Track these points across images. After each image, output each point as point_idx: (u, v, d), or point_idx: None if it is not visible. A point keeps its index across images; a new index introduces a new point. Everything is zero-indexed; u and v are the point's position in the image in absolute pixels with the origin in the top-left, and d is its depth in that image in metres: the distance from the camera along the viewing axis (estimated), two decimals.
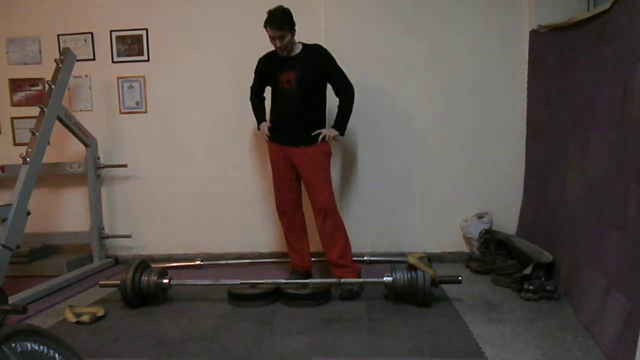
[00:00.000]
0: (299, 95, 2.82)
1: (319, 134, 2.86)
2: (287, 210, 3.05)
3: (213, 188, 3.77)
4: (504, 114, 3.52)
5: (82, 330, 2.44)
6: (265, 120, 3.07)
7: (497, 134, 3.53)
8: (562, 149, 2.95)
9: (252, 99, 3.14)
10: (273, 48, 2.94)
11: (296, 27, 2.81)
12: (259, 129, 3.10)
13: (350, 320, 2.45)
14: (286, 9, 2.77)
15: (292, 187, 3.01)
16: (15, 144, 3.87)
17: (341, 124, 2.91)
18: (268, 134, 2.99)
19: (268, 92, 3.07)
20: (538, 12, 3.33)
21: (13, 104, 3.89)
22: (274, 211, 3.17)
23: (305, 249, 3.13)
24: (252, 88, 3.13)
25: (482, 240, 3.37)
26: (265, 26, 2.74)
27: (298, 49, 2.87)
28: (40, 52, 3.83)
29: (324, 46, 3.01)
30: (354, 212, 3.61)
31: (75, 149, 3.80)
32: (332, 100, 3.00)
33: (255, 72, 3.04)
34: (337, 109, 2.94)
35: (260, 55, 3.03)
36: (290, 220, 3.07)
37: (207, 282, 2.94)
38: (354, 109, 2.95)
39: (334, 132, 2.89)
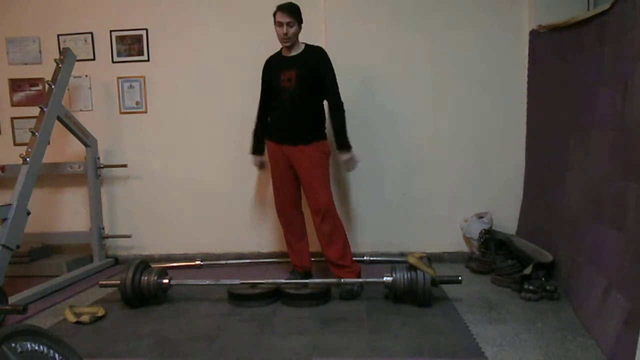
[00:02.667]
0: (299, 93, 2.82)
1: (350, 166, 2.90)
2: (287, 210, 3.05)
3: (213, 188, 3.77)
4: (504, 113, 3.52)
5: (82, 330, 2.44)
6: (261, 153, 3.09)
7: (497, 134, 3.53)
8: (562, 149, 2.95)
9: (257, 119, 3.07)
10: (274, 50, 2.94)
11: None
12: (252, 154, 3.12)
13: (350, 320, 2.45)
14: (296, 4, 2.81)
15: (291, 187, 3.00)
16: (15, 144, 3.87)
17: (344, 141, 2.86)
18: (258, 167, 3.11)
19: None
20: (538, 12, 3.33)
21: (13, 104, 3.89)
22: (274, 211, 3.17)
23: (304, 249, 3.12)
24: (259, 105, 3.06)
25: (482, 240, 3.36)
26: (275, 13, 2.78)
27: (300, 48, 2.87)
28: (40, 52, 3.83)
29: (324, 47, 3.01)
30: (353, 212, 3.61)
31: (75, 149, 3.80)
32: None
33: (262, 76, 3.00)
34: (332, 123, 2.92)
35: (260, 55, 3.02)
36: (289, 220, 3.07)
37: (207, 282, 2.94)
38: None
39: (348, 154, 2.85)
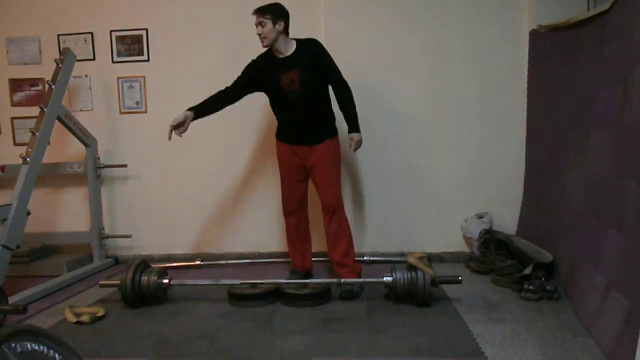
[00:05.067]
0: (305, 93, 2.76)
1: (355, 146, 2.86)
2: (294, 210, 3.03)
3: (213, 188, 3.77)
4: (504, 113, 3.52)
5: (82, 330, 2.44)
6: (194, 113, 2.77)
7: (497, 134, 3.53)
8: (562, 148, 2.95)
9: (214, 94, 2.86)
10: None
11: (291, 25, 2.79)
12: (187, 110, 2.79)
13: (350, 320, 2.45)
14: (277, 2, 2.79)
15: (299, 188, 2.99)
16: (15, 144, 3.87)
17: (354, 125, 2.87)
18: (176, 130, 2.71)
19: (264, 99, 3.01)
20: (538, 12, 3.33)
21: (13, 104, 3.89)
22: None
23: (308, 250, 3.12)
24: (226, 87, 2.87)
25: (482, 240, 3.36)
26: None
27: (293, 46, 2.81)
28: (40, 52, 3.83)
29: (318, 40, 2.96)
30: (354, 212, 3.61)
31: (75, 149, 3.80)
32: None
33: (244, 72, 2.88)
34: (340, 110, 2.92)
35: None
36: (296, 221, 3.05)
37: (207, 282, 2.94)
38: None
39: (358, 136, 2.86)
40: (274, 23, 2.72)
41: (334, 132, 2.93)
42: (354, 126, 2.87)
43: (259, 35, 2.75)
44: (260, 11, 2.74)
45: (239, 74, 2.90)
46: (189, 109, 2.80)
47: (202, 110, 2.84)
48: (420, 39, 3.53)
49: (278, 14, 2.74)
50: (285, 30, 2.78)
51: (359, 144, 2.88)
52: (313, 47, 2.84)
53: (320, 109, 2.88)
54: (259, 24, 2.73)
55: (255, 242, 3.78)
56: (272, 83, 2.81)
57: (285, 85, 2.77)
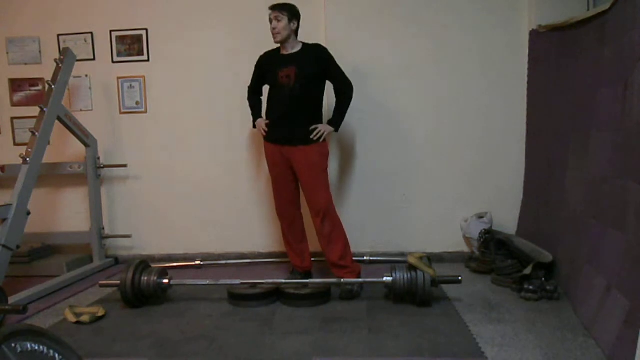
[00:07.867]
0: (298, 90, 2.81)
1: (315, 129, 2.83)
2: (287, 211, 3.05)
3: (213, 188, 3.77)
4: (504, 113, 3.52)
5: (82, 330, 2.44)
6: (261, 117, 3.07)
7: (497, 134, 3.53)
8: (562, 149, 2.96)
9: (249, 97, 3.13)
10: (273, 47, 2.95)
11: (299, 25, 2.86)
12: (254, 126, 3.09)
13: (350, 320, 2.45)
14: (293, 4, 2.86)
15: (290, 188, 3.00)
16: (15, 144, 3.87)
17: (337, 120, 2.92)
18: (265, 129, 2.94)
19: (265, 92, 3.07)
20: (538, 12, 3.33)
21: (13, 104, 3.89)
22: (274, 211, 3.17)
23: (305, 250, 3.12)
24: (249, 88, 3.12)
25: (482, 240, 3.36)
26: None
27: (298, 47, 2.88)
28: (40, 52, 3.83)
29: (324, 46, 3.01)
30: (353, 213, 3.61)
31: (75, 149, 3.80)
32: (331, 99, 3.01)
33: (255, 67, 3.05)
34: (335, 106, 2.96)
35: (261, 54, 3.03)
36: (290, 222, 3.07)
37: (207, 282, 2.94)
38: (354, 108, 2.96)
39: (330, 129, 2.89)
40: (290, 21, 2.82)
41: None
42: (335, 120, 2.92)
43: (273, 30, 2.82)
44: (278, 7, 2.81)
45: (253, 69, 3.08)
46: (255, 121, 3.07)
47: (258, 113, 3.10)
48: (420, 39, 3.53)
49: (294, 13, 2.84)
50: (296, 31, 2.88)
51: (321, 133, 2.85)
52: (317, 50, 2.91)
53: (311, 110, 2.90)
54: (275, 18, 2.80)
55: (255, 242, 3.78)
56: (271, 75, 2.91)
57: (281, 78, 2.85)
